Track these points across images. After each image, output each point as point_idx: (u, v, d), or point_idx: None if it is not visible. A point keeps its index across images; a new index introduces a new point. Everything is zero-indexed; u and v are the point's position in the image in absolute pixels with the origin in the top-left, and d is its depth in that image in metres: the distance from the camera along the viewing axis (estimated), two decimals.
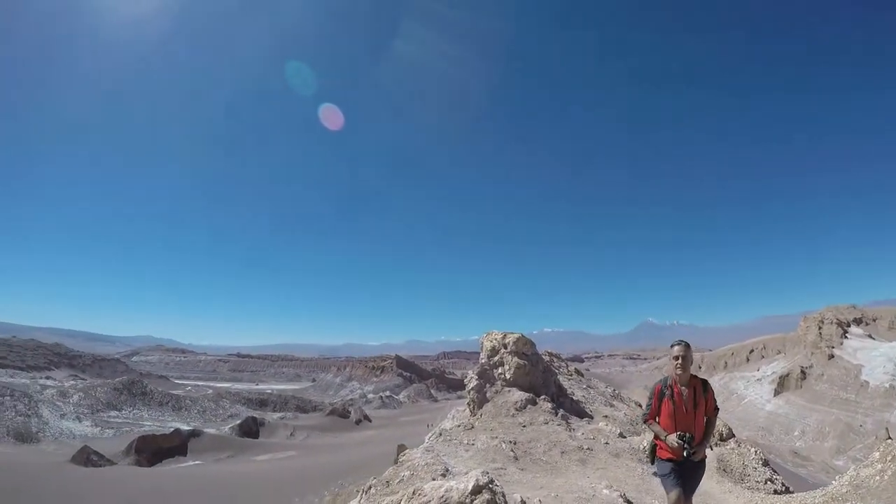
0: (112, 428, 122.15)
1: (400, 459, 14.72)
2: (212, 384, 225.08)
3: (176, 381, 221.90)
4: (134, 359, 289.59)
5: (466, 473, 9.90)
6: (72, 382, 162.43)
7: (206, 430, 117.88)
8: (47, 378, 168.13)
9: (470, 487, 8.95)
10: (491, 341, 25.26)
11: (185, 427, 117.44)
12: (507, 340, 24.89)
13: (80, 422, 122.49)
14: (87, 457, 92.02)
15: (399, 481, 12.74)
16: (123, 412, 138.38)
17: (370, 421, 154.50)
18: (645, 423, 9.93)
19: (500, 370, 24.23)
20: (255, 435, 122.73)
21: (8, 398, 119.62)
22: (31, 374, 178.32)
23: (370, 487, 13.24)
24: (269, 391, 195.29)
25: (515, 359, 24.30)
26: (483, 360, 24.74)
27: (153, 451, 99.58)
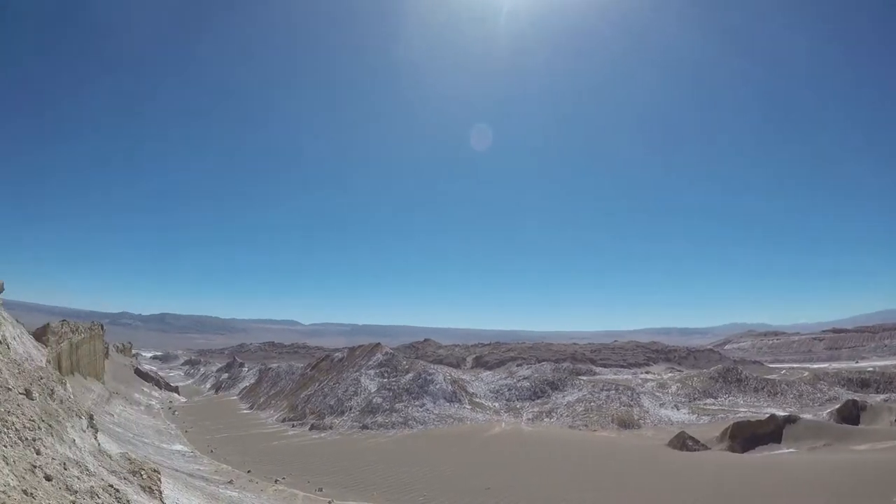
0: (708, 415, 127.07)
1: None
2: (807, 365, 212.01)
3: (770, 366, 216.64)
4: (726, 347, 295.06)
5: None
6: (669, 375, 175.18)
7: (802, 415, 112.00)
8: (646, 372, 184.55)
9: None
10: None
11: (780, 413, 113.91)
12: None
13: (677, 409, 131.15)
14: (683, 441, 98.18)
15: None
16: (719, 399, 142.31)
17: None
18: None
19: None
20: (856, 420, 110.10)
21: (613, 391, 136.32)
22: (633, 370, 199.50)
23: None
24: (870, 369, 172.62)
25: None
26: None
27: (747, 437, 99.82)
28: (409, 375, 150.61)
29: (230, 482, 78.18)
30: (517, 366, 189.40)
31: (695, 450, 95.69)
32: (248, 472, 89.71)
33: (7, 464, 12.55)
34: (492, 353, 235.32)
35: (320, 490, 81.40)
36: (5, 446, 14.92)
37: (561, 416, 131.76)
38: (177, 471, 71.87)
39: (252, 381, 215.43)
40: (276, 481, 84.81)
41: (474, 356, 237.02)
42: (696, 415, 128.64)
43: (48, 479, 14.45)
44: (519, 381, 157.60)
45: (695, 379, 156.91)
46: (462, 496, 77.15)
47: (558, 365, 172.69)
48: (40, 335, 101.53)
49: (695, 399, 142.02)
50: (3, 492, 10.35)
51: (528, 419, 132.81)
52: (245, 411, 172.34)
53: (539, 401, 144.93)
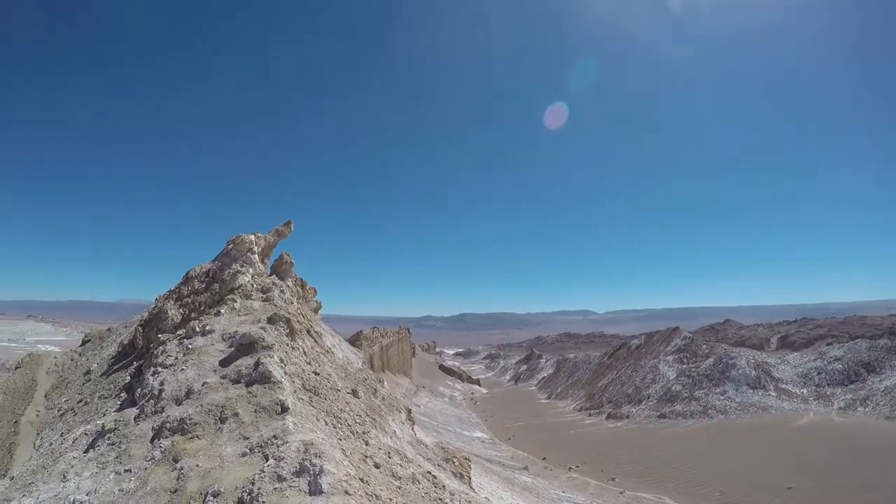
0: None
1: None
2: None
3: None
4: None
5: None
6: None
7: None
8: None
9: None
10: None
11: None
12: None
13: None
14: None
15: None
16: None
17: None
18: None
19: None
20: None
21: None
22: None
23: None
24: None
25: None
26: None
27: None
28: (709, 360, 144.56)
29: (525, 468, 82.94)
30: (827, 345, 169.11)
31: None
32: (544, 459, 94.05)
33: (345, 455, 15.87)
34: (798, 332, 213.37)
35: (613, 480, 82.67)
36: (341, 439, 18.68)
37: (877, 404, 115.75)
38: (476, 456, 78.29)
39: (549, 372, 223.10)
40: (569, 469, 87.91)
41: (779, 336, 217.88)
42: None
43: (377, 466, 17.79)
44: (829, 362, 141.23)
45: None
46: (762, 494, 73.65)
47: (874, 342, 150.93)
48: (354, 341, 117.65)
49: None
50: (346, 480, 13.30)
51: (840, 408, 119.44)
52: (543, 401, 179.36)
53: (853, 386, 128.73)
